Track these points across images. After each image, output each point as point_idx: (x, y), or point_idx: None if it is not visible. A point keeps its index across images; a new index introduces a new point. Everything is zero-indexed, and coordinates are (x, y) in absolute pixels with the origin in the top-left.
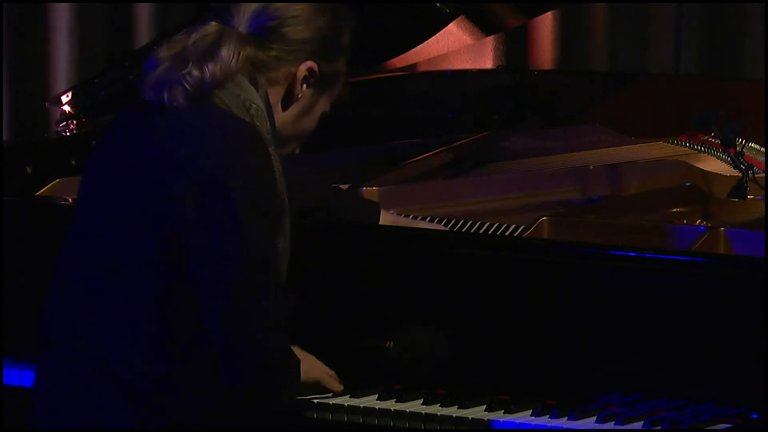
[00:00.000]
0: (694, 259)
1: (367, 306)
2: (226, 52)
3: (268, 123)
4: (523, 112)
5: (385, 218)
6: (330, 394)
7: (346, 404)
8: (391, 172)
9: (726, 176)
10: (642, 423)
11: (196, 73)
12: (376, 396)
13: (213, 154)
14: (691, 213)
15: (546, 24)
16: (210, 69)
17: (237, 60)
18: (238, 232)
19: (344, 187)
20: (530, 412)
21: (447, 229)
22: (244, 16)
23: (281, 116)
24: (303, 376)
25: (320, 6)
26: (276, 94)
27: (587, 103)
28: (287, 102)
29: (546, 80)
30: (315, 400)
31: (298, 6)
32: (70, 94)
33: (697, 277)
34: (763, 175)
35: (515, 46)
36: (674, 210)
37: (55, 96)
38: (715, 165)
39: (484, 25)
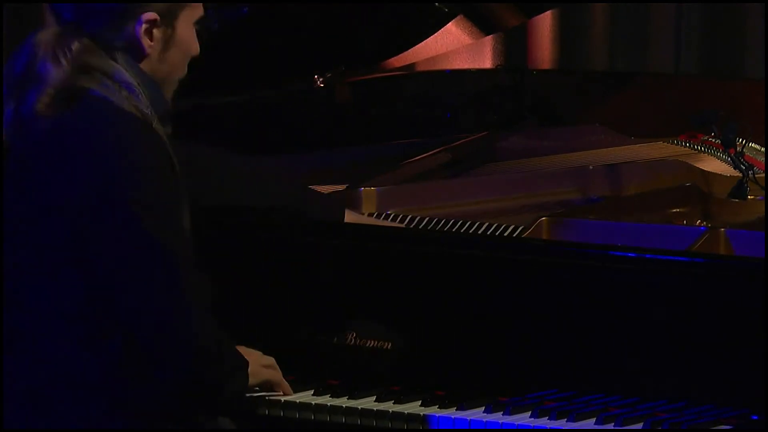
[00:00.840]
0: (694, 260)
1: (365, 307)
2: (45, 70)
3: (143, 93)
4: (522, 112)
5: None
6: (280, 393)
7: (344, 405)
8: (390, 172)
9: (726, 176)
10: (642, 424)
11: (27, 109)
12: (374, 397)
13: (97, 158)
14: (691, 213)
15: (545, 23)
16: (38, 99)
17: (63, 68)
18: (138, 230)
19: (343, 188)
20: (529, 413)
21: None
22: (67, 7)
23: (146, 67)
24: (251, 378)
25: None
26: (133, 55)
27: (587, 103)
28: (141, 55)
29: (545, 80)
30: (313, 402)
31: None
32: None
33: (697, 277)
34: (764, 175)
35: (514, 45)
36: (674, 210)
37: None
38: (716, 165)
39: (483, 24)
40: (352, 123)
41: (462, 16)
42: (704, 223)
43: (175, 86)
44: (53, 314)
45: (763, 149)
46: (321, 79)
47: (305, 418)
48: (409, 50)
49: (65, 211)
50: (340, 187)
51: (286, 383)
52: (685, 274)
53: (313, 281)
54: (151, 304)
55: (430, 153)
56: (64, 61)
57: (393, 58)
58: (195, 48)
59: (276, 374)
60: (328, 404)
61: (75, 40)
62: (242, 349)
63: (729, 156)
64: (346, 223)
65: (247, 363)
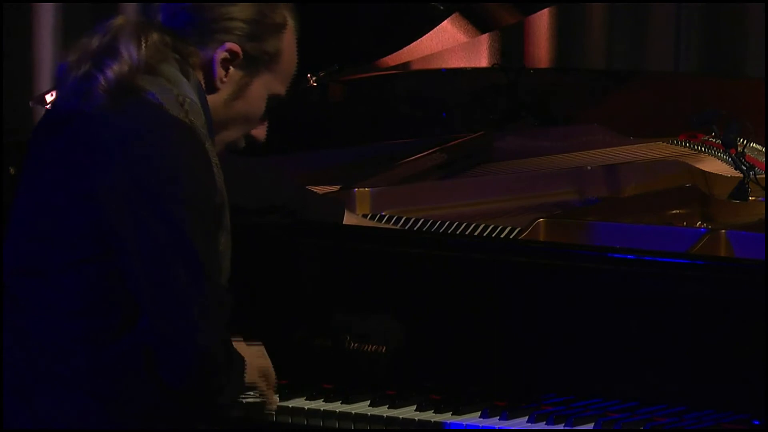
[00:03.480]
0: (694, 262)
1: (359, 310)
2: (125, 48)
3: (203, 116)
4: (518, 112)
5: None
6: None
7: (337, 410)
8: (384, 172)
9: (727, 177)
10: (642, 429)
11: (100, 76)
12: (369, 402)
13: (141, 153)
14: (692, 215)
15: (542, 21)
16: (114, 69)
17: (141, 51)
18: (168, 229)
19: (337, 188)
20: (526, 418)
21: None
22: (157, 4)
23: (211, 101)
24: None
25: None
26: (201, 80)
27: (584, 102)
28: (210, 86)
29: (542, 79)
30: (306, 407)
31: None
32: (54, 93)
33: (697, 280)
34: (764, 176)
35: (511, 43)
36: (674, 212)
37: (39, 95)
38: (716, 166)
39: (479, 22)
40: (345, 122)
41: (458, 14)
42: (705, 224)
43: (221, 145)
44: (56, 312)
45: (764, 149)
46: (314, 78)
47: (298, 423)
48: (404, 49)
49: (94, 200)
50: (333, 188)
51: (272, 373)
52: (685, 277)
53: (306, 283)
54: (169, 303)
55: (425, 153)
56: (143, 47)
57: (387, 57)
58: (257, 114)
59: (266, 362)
60: (321, 409)
61: (156, 33)
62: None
63: (730, 156)
64: (339, 224)
65: (244, 361)
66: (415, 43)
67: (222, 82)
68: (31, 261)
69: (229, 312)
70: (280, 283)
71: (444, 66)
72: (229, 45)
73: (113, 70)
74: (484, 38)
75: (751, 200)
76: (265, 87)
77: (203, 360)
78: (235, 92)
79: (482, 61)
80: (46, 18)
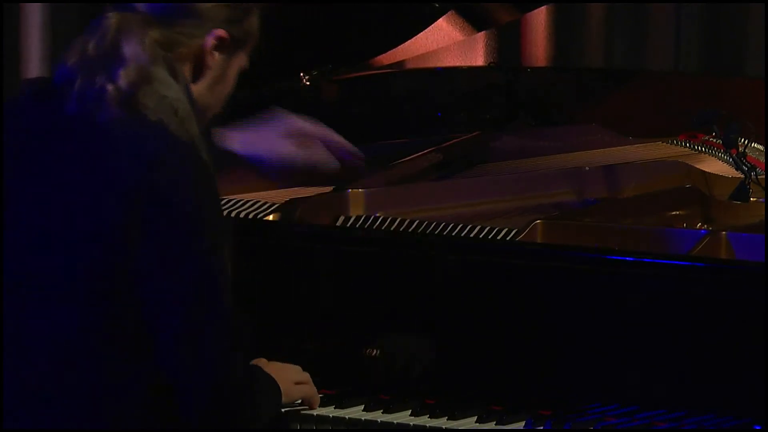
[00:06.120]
0: (694, 264)
1: (353, 313)
2: (130, 49)
3: (194, 117)
4: (515, 111)
5: None
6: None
7: (331, 415)
8: (378, 173)
9: (727, 178)
10: None
11: (110, 86)
12: (363, 407)
13: (155, 176)
14: (692, 216)
15: (540, 19)
16: (122, 75)
17: (145, 51)
18: (186, 253)
19: (329, 189)
20: (523, 423)
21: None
22: None
23: (196, 90)
24: (284, 398)
25: None
26: (188, 71)
27: (582, 102)
28: (198, 74)
29: (539, 78)
30: (300, 412)
31: None
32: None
33: (697, 282)
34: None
35: (508, 42)
36: (674, 213)
37: None
38: (716, 166)
39: (475, 20)
40: (339, 122)
41: (454, 12)
42: (705, 226)
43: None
44: (55, 339)
45: (764, 150)
46: (307, 77)
47: (290, 428)
48: (399, 47)
49: (104, 234)
50: (327, 189)
51: (317, 397)
52: (685, 279)
53: (298, 287)
54: (182, 332)
55: (421, 153)
56: (146, 47)
57: (382, 56)
58: (231, 91)
59: (309, 389)
60: (314, 414)
61: (152, 30)
62: (276, 366)
63: (731, 157)
64: (334, 227)
65: (278, 389)
66: (410, 41)
67: (208, 69)
68: (38, 279)
69: (247, 339)
70: (270, 287)
71: (439, 65)
72: (218, 32)
73: (123, 79)
74: (481, 37)
75: (752, 201)
76: (238, 65)
77: (228, 384)
78: (217, 77)
79: (478, 59)
80: (34, 16)
